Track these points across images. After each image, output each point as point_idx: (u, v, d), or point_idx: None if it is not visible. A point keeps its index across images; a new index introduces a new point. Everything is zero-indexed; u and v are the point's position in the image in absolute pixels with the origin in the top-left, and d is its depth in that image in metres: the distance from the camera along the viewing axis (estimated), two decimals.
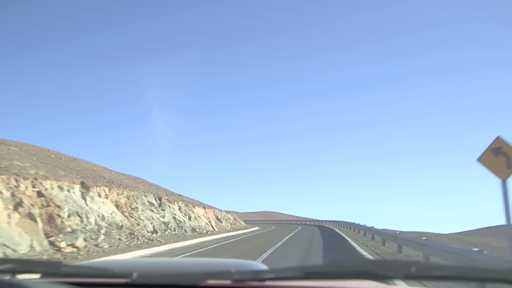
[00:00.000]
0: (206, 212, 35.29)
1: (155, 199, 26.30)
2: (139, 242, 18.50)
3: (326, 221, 59.50)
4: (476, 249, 7.33)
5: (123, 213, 20.82)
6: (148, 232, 21.69)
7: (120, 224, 19.42)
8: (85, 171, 24.81)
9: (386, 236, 15.60)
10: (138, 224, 21.20)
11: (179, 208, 29.51)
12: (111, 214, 19.48)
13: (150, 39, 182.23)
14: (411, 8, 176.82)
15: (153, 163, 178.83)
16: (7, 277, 1.46)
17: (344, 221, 44.09)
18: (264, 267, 1.73)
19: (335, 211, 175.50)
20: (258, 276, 1.42)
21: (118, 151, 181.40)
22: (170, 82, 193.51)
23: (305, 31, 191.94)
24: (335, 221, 51.52)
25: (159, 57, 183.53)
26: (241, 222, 53.16)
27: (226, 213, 50.68)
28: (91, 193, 18.93)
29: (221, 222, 38.34)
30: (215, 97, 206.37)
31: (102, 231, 17.51)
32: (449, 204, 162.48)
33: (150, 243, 18.78)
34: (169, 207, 27.46)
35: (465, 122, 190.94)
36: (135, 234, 19.48)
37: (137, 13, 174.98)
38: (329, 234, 28.64)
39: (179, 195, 41.01)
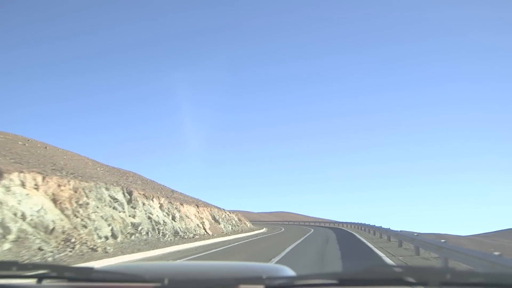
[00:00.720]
0: (198, 211, 29.37)
1: (123, 194, 20.49)
2: (71, 253, 12.68)
3: (342, 222, 53.05)
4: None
5: (62, 210, 15.04)
6: (100, 237, 15.87)
7: (51, 227, 13.63)
8: (30, 155, 19.19)
9: (451, 253, 9.31)
10: (85, 227, 15.40)
11: (160, 206, 23.69)
12: (38, 211, 13.71)
13: (175, 35, 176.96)
14: (424, 15, 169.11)
15: (175, 161, 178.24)
16: (33, 283, 1.47)
17: (364, 224, 37.73)
18: (292, 272, 1.74)
19: (351, 213, 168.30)
20: (290, 282, 1.41)
21: (144, 149, 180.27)
22: (196, 80, 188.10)
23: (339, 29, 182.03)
24: (354, 224, 45.17)
25: (184, 54, 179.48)
26: (246, 223, 47.17)
27: (230, 213, 44.83)
28: (5, 181, 13.20)
29: (219, 224, 32.39)
30: (241, 95, 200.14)
31: (11, 237, 11.75)
32: (467, 206, 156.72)
33: (87, 254, 12.94)
34: (144, 204, 21.64)
35: (487, 128, 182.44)
36: (73, 240, 13.66)
37: (163, 9, 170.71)
38: (349, 242, 22.36)
39: (172, 190, 35.30)
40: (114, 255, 13.45)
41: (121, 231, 17.72)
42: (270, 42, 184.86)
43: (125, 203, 19.96)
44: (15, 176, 13.79)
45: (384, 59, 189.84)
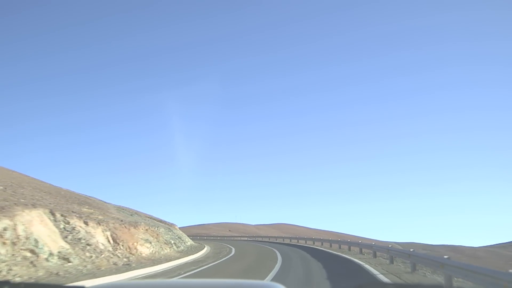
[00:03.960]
0: None
1: None
2: None
3: (342, 242, 28.35)
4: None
5: None
6: None
7: None
8: None
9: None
10: None
11: None
12: None
13: (166, 50, 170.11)
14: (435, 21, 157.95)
15: (168, 177, 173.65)
16: None
17: (393, 249, 14.58)
18: None
19: (357, 224, 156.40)
20: None
21: (135, 165, 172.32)
22: (188, 94, 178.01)
23: (335, 40, 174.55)
24: (367, 245, 20.93)
25: (175, 68, 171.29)
26: (138, 247, 22.51)
27: (104, 225, 20.60)
28: None
29: None
30: (233, 108, 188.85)
31: None
32: (479, 215, 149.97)
33: None
34: None
35: (501, 137, 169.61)
36: None
37: (153, 24, 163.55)
38: None
39: None
40: None
41: None
42: (262, 55, 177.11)
43: None
44: None
45: (378, 69, 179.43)
